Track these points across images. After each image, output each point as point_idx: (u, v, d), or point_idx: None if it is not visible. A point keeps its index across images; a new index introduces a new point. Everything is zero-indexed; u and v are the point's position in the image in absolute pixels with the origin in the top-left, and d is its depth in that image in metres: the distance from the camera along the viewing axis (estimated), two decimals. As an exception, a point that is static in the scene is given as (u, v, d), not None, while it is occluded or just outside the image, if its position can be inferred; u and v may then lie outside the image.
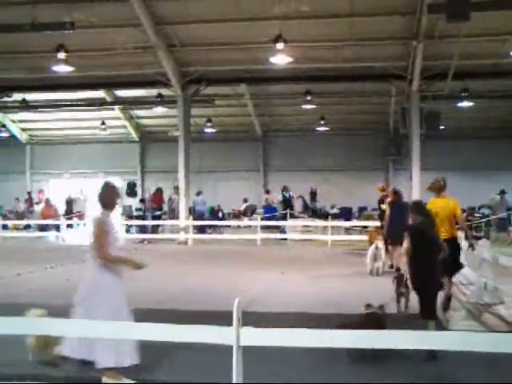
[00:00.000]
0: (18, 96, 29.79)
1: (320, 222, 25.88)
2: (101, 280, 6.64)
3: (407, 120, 25.27)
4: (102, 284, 6.62)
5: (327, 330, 5.34)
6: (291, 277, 15.12)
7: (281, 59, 21.28)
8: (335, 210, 31.20)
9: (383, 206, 16.44)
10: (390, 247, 15.14)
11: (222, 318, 5.65)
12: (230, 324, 5.30)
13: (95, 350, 6.26)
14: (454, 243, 9.93)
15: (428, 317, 7.80)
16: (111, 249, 6.71)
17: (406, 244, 8.06)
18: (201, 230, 26.62)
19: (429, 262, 7.89)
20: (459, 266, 10.55)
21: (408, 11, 20.55)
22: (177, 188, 28.34)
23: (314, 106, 29.44)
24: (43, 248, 23.13)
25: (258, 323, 5.49)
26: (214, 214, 31.44)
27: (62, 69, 22.61)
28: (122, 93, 31.25)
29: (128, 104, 33.68)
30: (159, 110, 30.23)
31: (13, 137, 38.20)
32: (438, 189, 10.41)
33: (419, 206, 8.73)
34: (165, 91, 27.16)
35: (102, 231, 6.71)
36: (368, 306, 8.32)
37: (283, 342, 5.40)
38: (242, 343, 5.21)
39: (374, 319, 7.90)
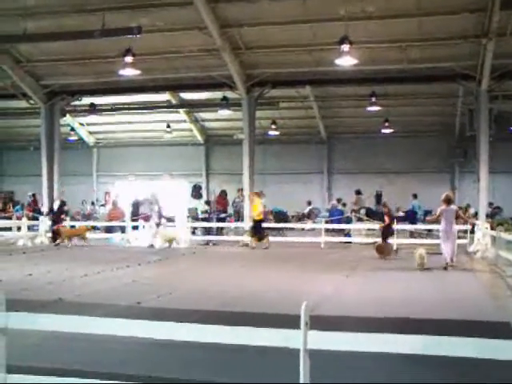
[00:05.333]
0: (86, 100, 30.43)
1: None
2: None
3: (475, 121, 24.76)
4: None
5: (396, 335, 5.21)
6: (356, 280, 14.94)
7: (346, 61, 21.08)
8: (400, 213, 30.74)
9: None
10: None
11: (285, 321, 5.59)
12: (293, 327, 5.23)
13: None
14: None
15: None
16: None
17: None
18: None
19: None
20: None
21: (478, 8, 20.09)
22: (241, 190, 28.49)
23: (378, 108, 29.09)
24: (109, 249, 23.48)
25: (324, 326, 5.39)
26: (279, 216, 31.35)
27: (129, 72, 22.95)
28: (188, 95, 31.56)
29: (193, 107, 33.98)
30: (224, 112, 30.38)
31: (81, 140, 39.00)
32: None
33: None
34: (230, 94, 27.28)
35: None
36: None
37: (352, 346, 5.29)
38: (309, 347, 5.14)
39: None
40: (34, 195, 32.65)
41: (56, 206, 25.74)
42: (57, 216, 25.07)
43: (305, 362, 5.13)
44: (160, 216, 24.09)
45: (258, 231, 23.36)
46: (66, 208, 26.27)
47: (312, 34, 22.46)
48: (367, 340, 5.22)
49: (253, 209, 24.02)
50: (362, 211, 28.70)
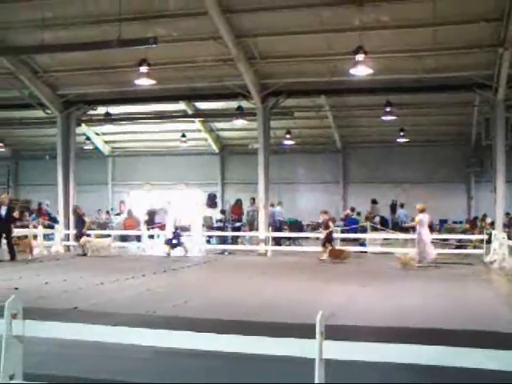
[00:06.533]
0: (101, 109, 30.61)
1: (401, 235, 25.40)
2: None
3: (491, 130, 24.64)
4: None
5: (413, 346, 5.17)
6: (372, 290, 14.87)
7: (361, 70, 21.02)
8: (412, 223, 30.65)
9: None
10: None
11: (300, 331, 5.57)
12: (309, 336, 5.22)
13: None
14: None
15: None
16: None
17: None
18: (278, 241, 26.69)
19: None
20: None
21: (494, 17, 19.95)
22: (253, 200, 28.58)
23: (394, 118, 29.00)
24: (124, 258, 23.55)
25: (339, 336, 5.37)
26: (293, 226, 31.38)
27: (144, 82, 23.01)
28: (203, 105, 31.63)
29: (208, 116, 34.07)
30: (239, 122, 30.43)
31: (96, 149, 39.21)
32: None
33: None
34: (245, 103, 27.29)
35: None
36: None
37: (368, 356, 5.26)
38: (324, 356, 5.12)
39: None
40: (39, 204, 32.81)
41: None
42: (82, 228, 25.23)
43: (320, 371, 5.12)
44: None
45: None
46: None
47: (327, 44, 22.47)
48: (383, 350, 5.18)
49: None
50: (377, 219, 28.68)
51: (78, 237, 25.02)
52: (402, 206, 32.26)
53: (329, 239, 22.73)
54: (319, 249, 22.97)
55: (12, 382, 5.60)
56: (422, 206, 20.88)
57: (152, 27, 21.33)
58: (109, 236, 26.15)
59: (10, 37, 23.50)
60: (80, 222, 25.37)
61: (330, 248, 22.36)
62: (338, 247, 23.27)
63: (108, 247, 24.25)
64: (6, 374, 5.58)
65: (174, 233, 23.88)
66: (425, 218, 20.62)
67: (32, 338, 5.86)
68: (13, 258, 21.30)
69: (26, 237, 24.62)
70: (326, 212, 23.76)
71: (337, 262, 21.40)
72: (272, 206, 28.87)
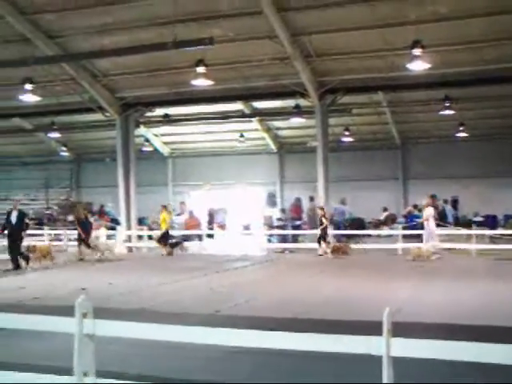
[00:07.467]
0: (160, 111, 30.99)
1: (463, 231, 24.98)
2: None
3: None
4: None
5: (481, 344, 5.05)
6: (435, 287, 14.69)
7: (419, 65, 20.76)
8: (479, 218, 30.11)
9: None
10: None
11: (363, 328, 5.55)
12: (372, 334, 5.19)
13: None
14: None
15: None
16: None
17: None
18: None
19: None
20: None
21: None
22: (311, 198, 28.53)
23: (453, 112, 28.52)
24: (186, 258, 23.77)
25: (403, 333, 5.32)
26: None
27: (202, 83, 23.21)
28: (260, 104, 31.69)
29: (266, 115, 34.11)
30: (297, 120, 30.40)
31: (156, 150, 39.67)
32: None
33: None
34: (302, 101, 27.25)
35: None
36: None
37: (436, 354, 5.18)
38: (392, 354, 5.08)
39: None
40: (102, 206, 33.33)
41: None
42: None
43: (388, 369, 5.08)
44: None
45: (165, 240, 24.96)
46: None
47: (383, 39, 22.24)
48: (452, 348, 5.08)
49: (162, 220, 25.37)
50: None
51: (83, 241, 23.02)
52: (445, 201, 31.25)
53: (324, 236, 23.38)
54: (380, 246, 22.81)
55: (85, 379, 5.74)
56: (429, 201, 22.89)
57: (208, 28, 21.49)
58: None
59: (71, 44, 24.17)
60: (88, 225, 23.66)
61: (333, 244, 23.14)
62: (338, 243, 23.94)
63: (113, 249, 24.26)
64: (80, 371, 5.73)
65: (166, 233, 24.91)
66: (432, 211, 22.40)
67: (102, 337, 5.98)
68: (17, 267, 19.30)
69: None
70: (321, 208, 24.19)
71: (339, 257, 22.12)
72: (342, 203, 28.92)
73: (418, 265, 19.47)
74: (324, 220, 23.39)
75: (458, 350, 5.05)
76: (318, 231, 23.75)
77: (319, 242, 23.43)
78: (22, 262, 19.47)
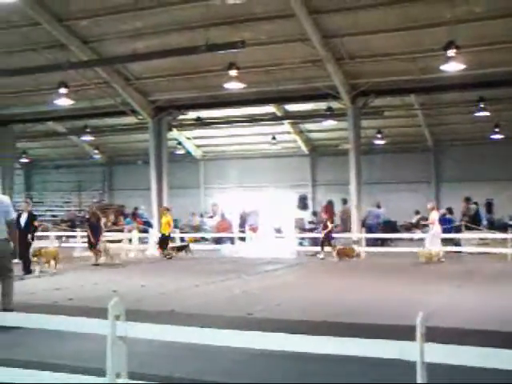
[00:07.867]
0: (192, 114, 31.14)
1: (499, 235, 24.62)
2: None
3: None
4: None
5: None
6: (468, 291, 14.52)
7: (453, 66, 20.49)
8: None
9: None
10: None
11: (396, 332, 5.48)
12: (405, 338, 5.13)
13: None
14: None
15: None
16: None
17: None
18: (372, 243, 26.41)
19: None
20: None
21: None
22: (344, 201, 28.40)
23: (487, 114, 28.17)
24: (219, 260, 23.82)
25: (438, 338, 5.23)
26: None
27: (234, 86, 23.26)
28: (292, 107, 31.67)
29: (298, 118, 34.08)
30: (329, 123, 30.31)
31: (188, 153, 39.84)
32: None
33: None
34: (334, 104, 27.17)
35: None
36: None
37: (473, 361, 5.08)
38: (426, 359, 5.00)
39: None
40: (135, 209, 33.49)
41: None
42: None
43: (422, 375, 5.01)
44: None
45: (164, 244, 24.93)
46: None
47: (415, 41, 22.04)
48: (489, 355, 4.96)
49: (164, 223, 25.15)
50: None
51: (91, 245, 22.34)
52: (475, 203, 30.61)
53: (328, 239, 23.64)
54: (415, 249, 22.61)
55: (118, 380, 5.78)
56: (433, 205, 23.66)
57: (239, 31, 21.54)
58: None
59: (104, 48, 24.43)
60: (98, 229, 22.68)
61: (337, 247, 23.25)
62: (342, 246, 23.89)
63: (124, 252, 24.23)
64: (113, 372, 5.76)
65: (166, 238, 25.02)
66: (437, 215, 23.29)
67: (134, 338, 6.01)
68: (27, 271, 18.68)
69: (119, 241, 25.30)
70: (326, 212, 24.57)
71: (346, 260, 22.47)
72: (378, 207, 28.80)
73: (435, 268, 19.68)
74: (329, 224, 23.73)
75: (493, 357, 4.94)
76: (321, 235, 24.24)
77: (322, 246, 23.69)
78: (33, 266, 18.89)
